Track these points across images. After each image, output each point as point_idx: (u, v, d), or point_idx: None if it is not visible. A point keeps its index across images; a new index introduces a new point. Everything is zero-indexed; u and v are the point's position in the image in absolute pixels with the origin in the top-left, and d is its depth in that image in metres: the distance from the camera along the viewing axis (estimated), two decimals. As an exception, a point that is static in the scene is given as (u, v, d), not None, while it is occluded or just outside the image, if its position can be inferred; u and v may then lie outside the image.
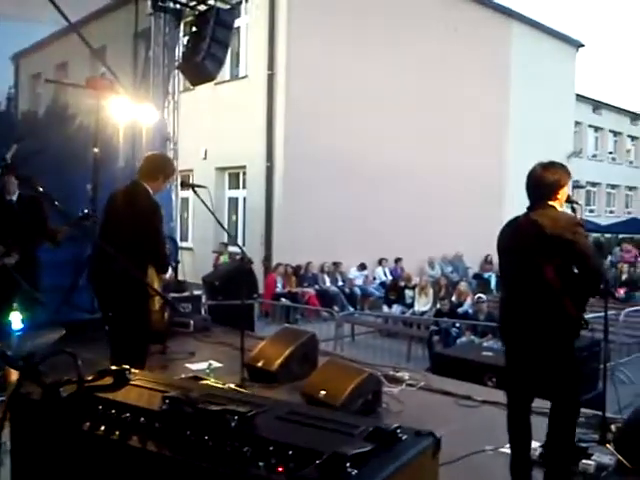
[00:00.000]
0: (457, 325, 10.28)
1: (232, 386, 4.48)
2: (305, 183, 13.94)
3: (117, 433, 1.73)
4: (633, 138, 32.26)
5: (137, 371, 2.15)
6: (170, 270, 6.69)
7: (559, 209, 3.31)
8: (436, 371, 6.40)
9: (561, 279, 3.10)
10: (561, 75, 21.83)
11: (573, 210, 3.54)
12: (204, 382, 4.46)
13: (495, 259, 17.66)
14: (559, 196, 3.29)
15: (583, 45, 22.84)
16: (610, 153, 30.96)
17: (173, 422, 1.69)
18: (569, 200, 3.43)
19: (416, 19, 16.13)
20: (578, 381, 3.29)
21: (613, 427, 3.83)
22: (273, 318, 11.45)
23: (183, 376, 4.79)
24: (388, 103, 15.54)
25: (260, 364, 5.27)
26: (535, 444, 3.46)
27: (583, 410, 4.01)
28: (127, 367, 2.00)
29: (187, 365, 5.79)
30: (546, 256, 3.11)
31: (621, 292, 15.33)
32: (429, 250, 16.73)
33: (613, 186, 31.20)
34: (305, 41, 13.83)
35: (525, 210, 3.38)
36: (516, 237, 3.31)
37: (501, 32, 19.25)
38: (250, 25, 14.74)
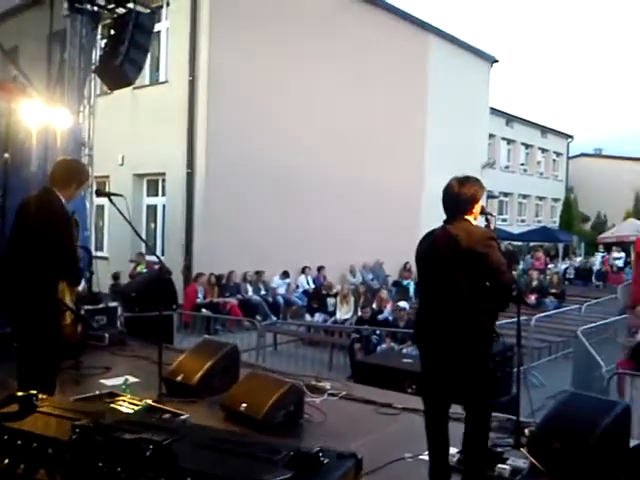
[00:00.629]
0: (377, 332, 10.41)
1: (149, 402, 4.33)
2: (227, 191, 13.79)
3: (22, 466, 1.61)
4: (543, 150, 33.88)
5: (45, 397, 2.03)
6: (83, 282, 6.41)
7: (474, 222, 3.43)
8: (358, 379, 6.45)
9: (474, 291, 3.22)
10: (476, 89, 22.69)
11: (487, 221, 3.68)
12: (119, 399, 4.30)
13: (414, 267, 18.18)
14: (474, 210, 3.43)
15: (497, 60, 23.80)
16: (522, 164, 32.38)
17: (84, 453, 1.58)
18: (483, 212, 3.56)
19: (338, 29, 16.33)
20: (492, 388, 3.39)
21: (527, 431, 3.97)
22: (193, 329, 11.18)
23: (98, 392, 4.60)
24: (310, 113, 15.67)
25: (179, 378, 5.13)
26: (453, 450, 3.54)
27: (498, 415, 4.15)
28: (34, 393, 1.88)
29: (102, 381, 5.56)
30: (461, 268, 3.22)
31: (532, 298, 16.03)
32: (350, 258, 16.93)
33: (524, 196, 32.63)
34: (227, 47, 13.70)
35: (442, 223, 3.47)
36: (433, 249, 3.40)
37: (419, 46, 19.80)
38: (170, 30, 14.47)
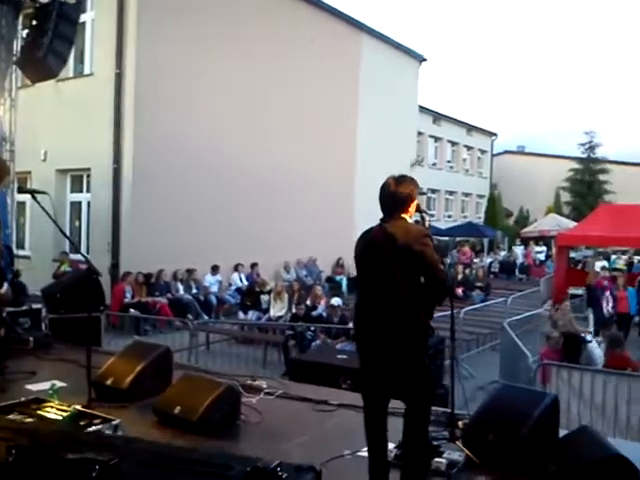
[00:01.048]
0: (312, 329, 10.43)
1: (79, 407, 4.16)
2: (156, 187, 13.45)
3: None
4: (469, 148, 34.89)
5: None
6: (6, 284, 6.10)
7: (409, 220, 3.48)
8: (293, 377, 6.44)
9: (411, 287, 3.28)
10: (406, 87, 23.07)
11: (422, 219, 3.75)
12: (46, 405, 4.12)
13: (347, 263, 18.43)
14: (410, 209, 3.48)
15: (426, 59, 24.26)
16: (448, 162, 33.24)
17: (23, 476, 1.46)
18: (419, 210, 3.61)
19: (270, 26, 16.18)
20: (430, 383, 3.44)
21: (460, 424, 4.06)
22: (122, 331, 10.86)
23: (23, 399, 4.38)
24: (241, 110, 15.48)
25: (109, 382, 4.96)
26: (391, 445, 3.57)
27: (434, 408, 4.22)
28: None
29: (27, 386, 5.29)
30: (398, 265, 3.26)
31: (459, 291, 16.50)
32: (284, 255, 16.90)
33: (451, 192, 33.51)
34: (156, 40, 13.32)
35: (379, 221, 3.51)
36: (371, 247, 3.44)
37: (352, 44, 19.93)
38: (96, 21, 13.95)
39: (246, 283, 15.40)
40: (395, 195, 3.44)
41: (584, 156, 36.65)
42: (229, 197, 15.08)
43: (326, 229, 17.66)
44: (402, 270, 3.26)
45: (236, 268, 15.68)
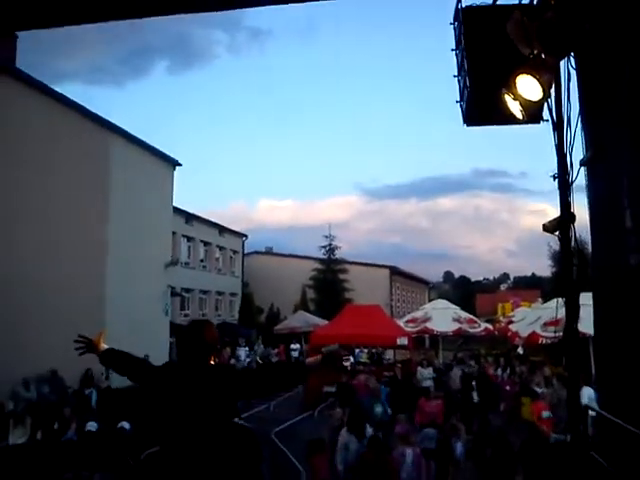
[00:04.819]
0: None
1: None
2: None
3: None
4: (221, 248, 35.64)
5: None
6: None
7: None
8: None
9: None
10: (160, 190, 22.99)
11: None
12: None
13: (96, 374, 17.02)
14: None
15: (180, 164, 24.65)
16: (201, 261, 33.46)
17: None
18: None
19: (13, 120, 15.10)
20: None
21: None
22: None
23: None
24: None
25: None
26: None
27: None
28: None
29: None
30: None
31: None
32: (24, 370, 15.02)
33: (204, 292, 33.58)
34: None
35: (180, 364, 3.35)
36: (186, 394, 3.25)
37: (101, 145, 19.37)
38: None
39: (-24, 407, 13.24)
40: (205, 341, 3.41)
41: (325, 257, 39.91)
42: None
43: (71, 337, 16.24)
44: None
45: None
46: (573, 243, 3.26)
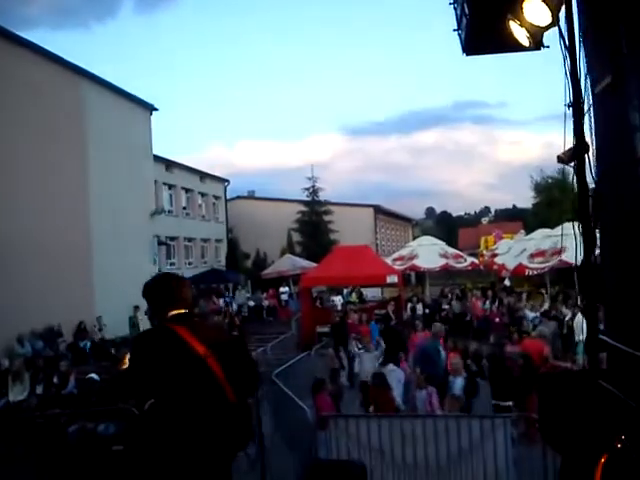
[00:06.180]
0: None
1: None
2: None
3: None
4: (203, 194, 35.23)
5: None
6: None
7: None
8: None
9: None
10: (138, 137, 22.48)
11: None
12: None
13: (89, 327, 17.03)
14: None
15: (157, 109, 24.02)
16: (184, 208, 33.09)
17: None
18: None
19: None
20: None
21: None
22: None
23: None
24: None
25: None
26: None
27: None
28: None
29: None
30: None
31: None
32: (17, 325, 14.97)
33: (189, 239, 33.36)
34: None
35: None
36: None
37: (75, 93, 18.76)
38: None
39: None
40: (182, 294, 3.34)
41: (309, 199, 39.68)
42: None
43: (63, 291, 16.18)
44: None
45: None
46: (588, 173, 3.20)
